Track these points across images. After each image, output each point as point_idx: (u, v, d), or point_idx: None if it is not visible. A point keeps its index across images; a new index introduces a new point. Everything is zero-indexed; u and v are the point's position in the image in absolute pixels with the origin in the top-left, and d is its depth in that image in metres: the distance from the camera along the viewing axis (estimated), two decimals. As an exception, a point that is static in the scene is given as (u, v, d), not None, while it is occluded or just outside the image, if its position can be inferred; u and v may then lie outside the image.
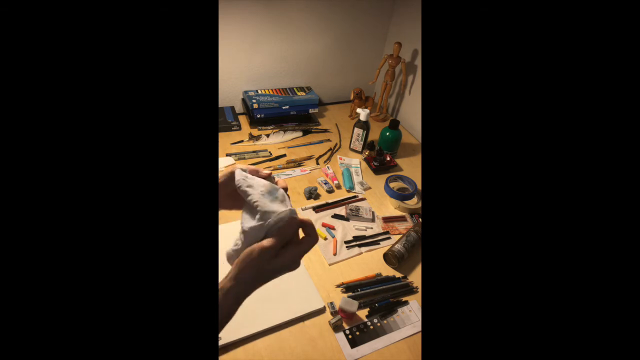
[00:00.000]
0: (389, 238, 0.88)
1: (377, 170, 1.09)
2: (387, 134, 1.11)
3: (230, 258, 0.42)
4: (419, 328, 0.70)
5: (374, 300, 0.72)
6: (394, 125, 1.09)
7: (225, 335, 0.62)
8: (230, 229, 0.82)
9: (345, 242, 0.85)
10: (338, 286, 0.75)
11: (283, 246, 0.40)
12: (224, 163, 1.03)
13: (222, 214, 0.57)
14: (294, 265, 0.41)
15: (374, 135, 1.19)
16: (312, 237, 0.42)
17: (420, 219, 0.94)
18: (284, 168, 1.05)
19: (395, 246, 0.81)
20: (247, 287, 0.40)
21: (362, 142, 1.13)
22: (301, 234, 0.43)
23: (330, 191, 0.99)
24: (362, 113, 1.08)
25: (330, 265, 0.80)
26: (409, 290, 0.76)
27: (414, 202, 0.99)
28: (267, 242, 0.39)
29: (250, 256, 0.39)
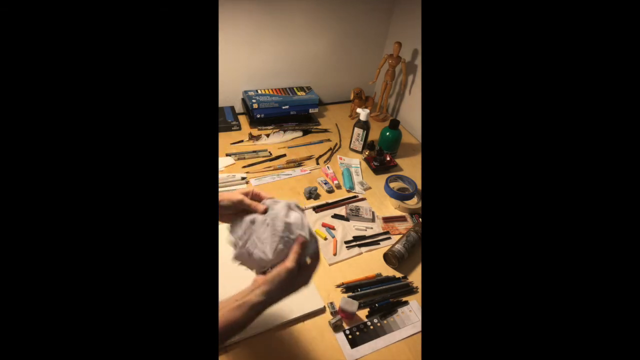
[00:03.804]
0: (389, 238, 0.88)
1: (377, 170, 1.09)
2: (387, 133, 1.11)
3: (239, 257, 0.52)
4: (419, 328, 0.70)
5: (374, 300, 0.72)
6: (394, 125, 1.09)
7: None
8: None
9: (345, 242, 0.85)
10: (338, 286, 0.75)
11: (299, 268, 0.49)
12: (224, 163, 1.03)
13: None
14: (307, 282, 0.50)
15: (374, 135, 1.19)
16: (317, 260, 0.52)
17: (420, 219, 0.93)
18: (283, 168, 1.05)
19: (395, 246, 0.81)
20: (272, 302, 0.47)
21: (362, 142, 1.13)
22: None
23: (330, 191, 0.99)
24: (362, 113, 1.08)
25: (330, 265, 0.80)
26: (409, 290, 0.76)
27: (414, 202, 0.99)
28: (290, 265, 0.47)
29: (279, 276, 0.47)
